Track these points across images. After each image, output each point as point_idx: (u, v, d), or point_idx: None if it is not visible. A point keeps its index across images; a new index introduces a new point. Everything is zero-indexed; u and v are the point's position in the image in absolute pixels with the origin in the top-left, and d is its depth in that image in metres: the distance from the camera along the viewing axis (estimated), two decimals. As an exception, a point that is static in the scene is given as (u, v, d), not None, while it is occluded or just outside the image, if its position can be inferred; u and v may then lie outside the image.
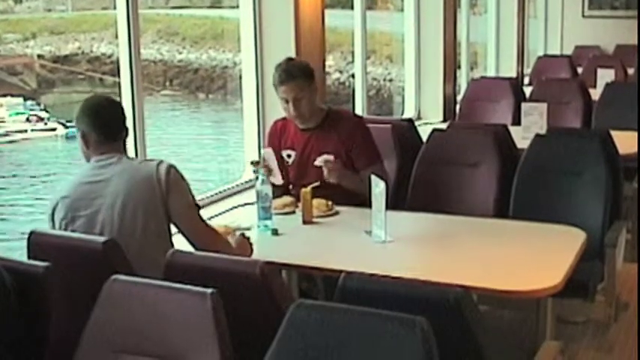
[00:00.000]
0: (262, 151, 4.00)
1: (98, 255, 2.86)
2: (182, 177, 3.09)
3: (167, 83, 21.19)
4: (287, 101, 3.95)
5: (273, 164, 3.81)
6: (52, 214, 3.17)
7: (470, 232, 3.57)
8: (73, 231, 3.10)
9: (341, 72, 18.88)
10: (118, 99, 3.48)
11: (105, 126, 3.16)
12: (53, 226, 3.17)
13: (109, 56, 20.93)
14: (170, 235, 3.14)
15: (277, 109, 4.23)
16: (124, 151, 3.22)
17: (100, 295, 2.38)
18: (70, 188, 3.16)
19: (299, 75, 3.92)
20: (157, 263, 2.90)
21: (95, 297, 2.39)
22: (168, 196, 3.04)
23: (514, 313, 3.51)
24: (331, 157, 3.90)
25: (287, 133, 4.15)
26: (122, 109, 3.26)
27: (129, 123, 4.04)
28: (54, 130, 15.59)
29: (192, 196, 3.12)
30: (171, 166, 3.09)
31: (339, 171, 3.88)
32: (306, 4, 5.09)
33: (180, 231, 3.12)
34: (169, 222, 3.10)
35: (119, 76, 4.30)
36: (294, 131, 4.12)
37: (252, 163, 3.90)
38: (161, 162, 3.11)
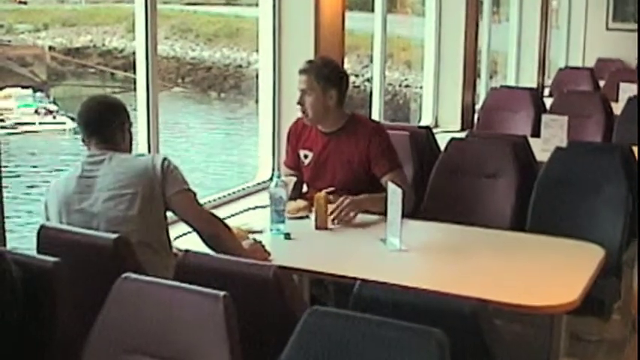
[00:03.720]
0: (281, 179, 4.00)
1: (109, 252, 2.88)
2: (175, 165, 3.22)
3: (179, 80, 21.24)
4: (299, 91, 4.03)
5: (288, 192, 3.86)
6: (46, 209, 3.27)
7: (486, 245, 3.57)
8: (69, 225, 3.17)
9: (357, 75, 18.89)
10: (118, 97, 3.57)
11: (91, 124, 3.28)
12: (47, 221, 3.24)
13: (121, 51, 21.01)
14: (167, 225, 3.26)
15: (294, 110, 4.25)
16: (123, 148, 3.31)
17: (110, 293, 2.39)
18: (63, 183, 3.25)
19: (313, 72, 3.98)
20: (157, 253, 3.10)
21: (105, 294, 2.40)
22: (165, 184, 3.16)
23: (528, 328, 3.50)
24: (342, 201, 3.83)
25: (307, 133, 4.17)
26: (116, 108, 3.34)
27: (142, 120, 4.11)
28: (63, 124, 15.61)
29: (187, 182, 3.23)
30: (165, 157, 3.22)
31: (354, 204, 3.86)
32: (326, 5, 5.11)
33: (179, 217, 3.24)
34: (166, 210, 3.20)
35: (133, 71, 4.32)
36: (315, 132, 4.14)
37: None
38: (155, 155, 3.24)
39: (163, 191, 3.16)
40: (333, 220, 3.76)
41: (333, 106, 4.03)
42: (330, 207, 3.76)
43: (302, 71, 4.02)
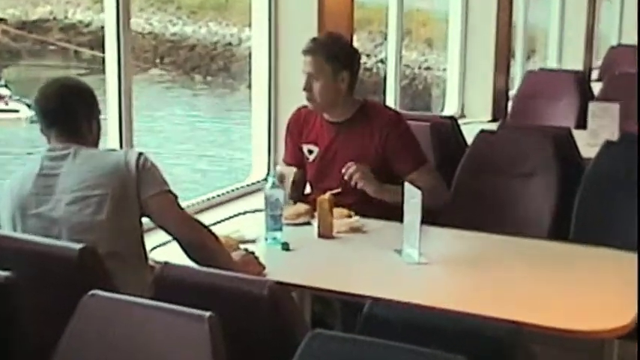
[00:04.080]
0: (278, 168, 4.06)
1: (73, 264, 2.88)
2: (153, 163, 3.21)
3: (157, 61, 21.25)
4: (304, 74, 4.05)
5: (288, 185, 3.88)
6: None
7: (521, 256, 3.58)
8: (24, 232, 3.16)
9: (368, 56, 18.92)
10: (84, 80, 3.55)
11: (52, 113, 3.28)
12: None
13: (87, 25, 21.01)
14: (142, 233, 3.26)
15: (294, 98, 4.26)
16: (90, 141, 3.31)
17: (74, 313, 2.40)
18: (18, 182, 3.25)
19: (322, 51, 4.01)
20: (130, 266, 3.09)
21: (68, 315, 2.41)
22: (140, 185, 3.15)
23: (572, 355, 3.51)
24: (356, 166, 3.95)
25: (311, 125, 4.21)
26: (82, 93, 3.34)
27: (113, 108, 4.13)
28: (16, 111, 15.56)
29: (167, 182, 3.23)
30: (141, 153, 3.21)
31: (373, 181, 3.92)
32: (332, -29, 5.12)
33: (157, 223, 3.23)
34: (141, 216, 3.20)
35: (102, 50, 4.33)
36: (320, 123, 4.17)
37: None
38: (129, 150, 3.23)
39: (138, 193, 3.15)
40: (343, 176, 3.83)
41: (344, 91, 4.05)
42: (337, 212, 3.77)
43: (308, 51, 4.03)
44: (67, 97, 3.30)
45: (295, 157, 4.24)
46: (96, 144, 3.36)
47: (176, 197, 3.24)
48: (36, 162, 3.25)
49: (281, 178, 3.88)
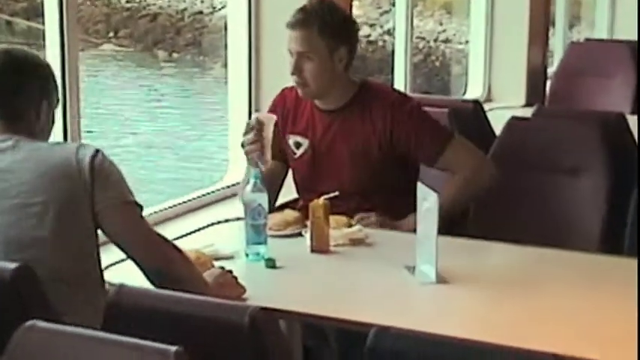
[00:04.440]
0: (255, 114, 4.04)
1: (6, 288, 2.88)
2: (113, 163, 3.17)
3: (110, 34, 21.25)
4: (292, 55, 4.04)
5: (267, 138, 3.86)
6: None
7: (562, 274, 3.58)
8: None
9: (372, 26, 18.96)
10: (33, 53, 3.51)
11: None
12: None
13: (22, -10, 21.03)
14: (97, 250, 3.21)
15: (280, 79, 4.25)
16: (37, 131, 3.26)
17: (8, 346, 2.40)
18: None
19: (315, 23, 3.99)
20: (81, 290, 3.06)
21: (1, 347, 2.41)
22: (95, 190, 3.11)
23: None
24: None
25: (299, 111, 4.21)
26: (34, 68, 3.29)
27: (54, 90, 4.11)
28: None
29: (130, 191, 3.19)
30: (97, 150, 3.15)
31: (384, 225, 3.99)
32: None
33: (114, 241, 3.19)
34: (96, 228, 3.16)
35: (41, 21, 4.32)
36: (311, 110, 4.17)
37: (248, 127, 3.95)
38: (82, 145, 3.19)
39: (92, 202, 3.11)
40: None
41: (341, 72, 4.05)
42: (333, 221, 3.78)
43: (296, 24, 4.01)
44: (13, 71, 3.24)
45: (279, 150, 4.18)
46: (45, 135, 3.31)
47: (141, 209, 3.20)
48: None
49: (259, 129, 3.87)
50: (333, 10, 4.11)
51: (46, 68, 3.32)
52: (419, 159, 4.09)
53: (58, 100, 3.35)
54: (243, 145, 3.93)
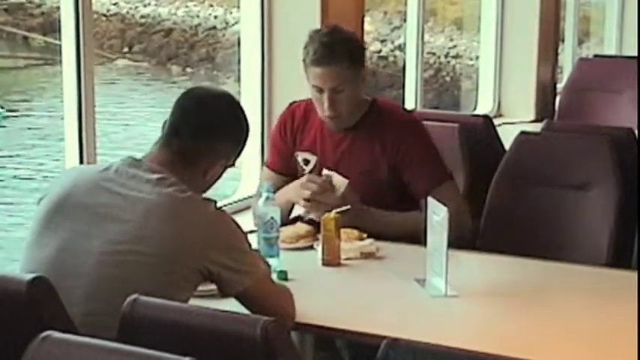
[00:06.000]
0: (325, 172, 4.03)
1: (21, 298, 2.88)
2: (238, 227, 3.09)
3: (125, 49, 21.28)
4: (321, 91, 3.98)
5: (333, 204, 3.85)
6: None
7: (571, 288, 3.59)
8: (48, 244, 3.05)
9: (383, 41, 18.96)
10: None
11: (181, 123, 3.10)
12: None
13: (39, 5, 21.08)
14: None
15: (292, 94, 4.25)
16: (193, 180, 3.08)
17: (24, 357, 2.40)
18: (79, 174, 3.12)
19: (345, 57, 3.95)
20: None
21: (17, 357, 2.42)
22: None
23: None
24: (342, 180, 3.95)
25: (308, 128, 4.19)
26: (230, 125, 3.17)
27: (71, 106, 4.12)
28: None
29: (257, 262, 3.17)
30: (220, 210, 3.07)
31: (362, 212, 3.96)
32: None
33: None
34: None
35: (57, 36, 4.33)
36: (320, 127, 4.16)
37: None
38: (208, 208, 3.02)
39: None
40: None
41: (360, 94, 4.07)
42: (345, 234, 3.77)
43: (322, 60, 3.93)
44: (218, 118, 3.12)
45: (286, 166, 4.20)
46: (201, 189, 3.12)
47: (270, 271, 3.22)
48: (107, 164, 3.06)
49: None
50: (351, 38, 4.09)
51: (245, 124, 3.21)
52: (410, 185, 4.06)
53: (233, 165, 3.22)
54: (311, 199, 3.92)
